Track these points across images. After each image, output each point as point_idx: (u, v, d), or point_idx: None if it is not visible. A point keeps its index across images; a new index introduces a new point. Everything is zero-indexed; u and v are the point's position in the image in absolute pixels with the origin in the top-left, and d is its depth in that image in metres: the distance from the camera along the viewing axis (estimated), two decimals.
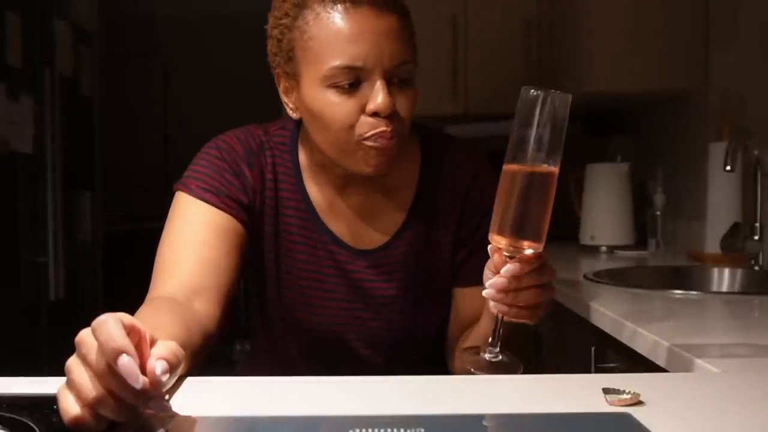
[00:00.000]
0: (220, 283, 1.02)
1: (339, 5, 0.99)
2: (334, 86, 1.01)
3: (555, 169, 0.84)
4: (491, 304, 0.88)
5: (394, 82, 1.02)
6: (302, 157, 1.15)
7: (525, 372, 0.89)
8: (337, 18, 0.99)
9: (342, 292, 1.16)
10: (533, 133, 0.83)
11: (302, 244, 1.15)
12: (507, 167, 0.85)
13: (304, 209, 1.15)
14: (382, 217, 1.16)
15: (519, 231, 0.84)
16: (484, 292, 0.88)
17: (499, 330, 0.89)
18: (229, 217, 1.07)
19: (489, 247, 0.88)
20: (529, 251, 0.85)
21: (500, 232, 0.85)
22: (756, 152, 1.90)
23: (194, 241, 1.04)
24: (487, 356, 0.90)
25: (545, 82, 3.05)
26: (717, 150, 2.05)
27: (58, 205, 3.05)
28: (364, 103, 1.00)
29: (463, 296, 1.18)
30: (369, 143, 1.02)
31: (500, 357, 0.89)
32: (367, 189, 1.14)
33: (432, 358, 1.23)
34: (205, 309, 0.99)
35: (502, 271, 0.85)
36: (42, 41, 3.02)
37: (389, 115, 1.01)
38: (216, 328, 0.99)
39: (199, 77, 5.39)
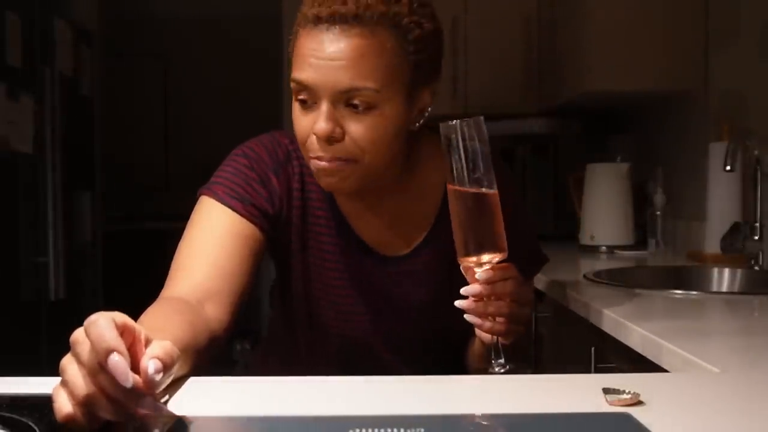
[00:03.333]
0: (232, 289, 1.03)
1: (308, 25, 1.02)
2: (297, 100, 1.04)
3: (493, 187, 0.94)
4: (465, 315, 0.96)
5: (350, 107, 1.01)
6: None
7: (525, 372, 0.89)
8: (303, 36, 1.02)
9: (371, 298, 1.16)
10: (462, 160, 0.93)
11: (330, 252, 1.15)
12: (450, 197, 0.95)
13: (332, 217, 1.15)
14: (410, 224, 1.17)
15: (480, 247, 0.94)
16: (458, 303, 0.96)
17: (498, 343, 0.96)
18: (251, 225, 1.08)
19: (461, 267, 0.97)
20: (495, 261, 0.95)
21: (465, 254, 0.95)
22: (756, 152, 1.90)
23: (213, 245, 1.05)
24: (497, 370, 0.96)
25: (545, 82, 3.05)
26: (717, 150, 2.05)
27: (58, 205, 3.05)
28: (314, 123, 1.02)
29: None
30: (313, 163, 1.04)
31: (508, 367, 0.95)
32: (394, 195, 1.15)
33: (455, 363, 1.23)
34: (215, 313, 1.00)
35: (476, 275, 0.94)
36: (42, 41, 3.02)
37: (329, 140, 1.01)
38: (224, 331, 1.00)
39: (200, 77, 5.38)
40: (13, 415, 0.67)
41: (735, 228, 1.96)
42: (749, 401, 0.77)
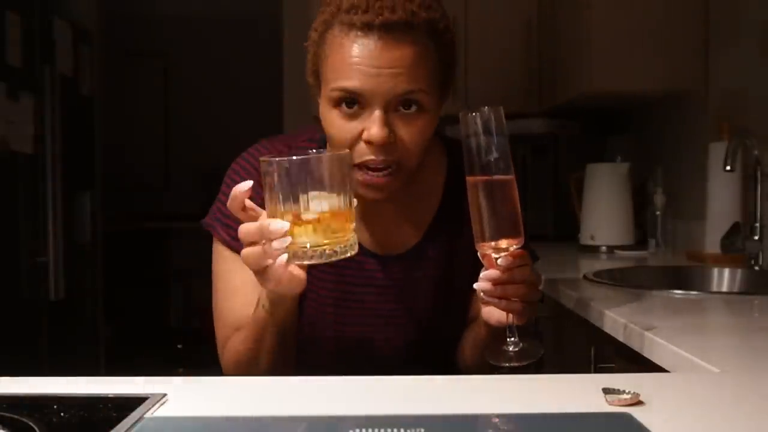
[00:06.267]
0: None
1: (352, 32, 1.00)
2: (338, 108, 1.03)
3: (510, 174, 0.96)
4: (481, 295, 0.98)
5: (399, 111, 1.02)
6: None
7: (525, 372, 0.89)
8: (347, 43, 1.00)
9: (370, 301, 1.16)
10: (481, 147, 0.94)
11: None
12: (469, 183, 0.96)
13: None
14: (408, 224, 1.18)
15: (499, 234, 0.95)
16: (477, 285, 0.97)
17: (513, 321, 0.97)
18: None
19: (479, 254, 0.97)
20: (513, 247, 0.96)
21: (483, 240, 0.96)
22: (756, 152, 1.90)
23: (238, 291, 1.12)
24: (510, 348, 0.97)
25: (545, 82, 3.05)
26: (717, 150, 2.05)
27: (58, 205, 3.05)
28: (363, 129, 1.02)
29: None
30: (360, 175, 1.04)
31: (521, 345, 0.97)
32: (395, 198, 1.15)
33: (449, 365, 1.24)
34: None
35: (496, 261, 0.96)
36: (42, 41, 3.02)
37: (384, 146, 1.01)
38: None
39: (199, 77, 5.39)
40: (13, 415, 0.67)
41: (735, 228, 1.96)
42: (749, 401, 0.77)
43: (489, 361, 0.98)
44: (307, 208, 0.86)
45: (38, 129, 2.97)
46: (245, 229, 0.89)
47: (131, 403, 0.71)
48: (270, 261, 0.88)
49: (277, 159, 0.86)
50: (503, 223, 0.95)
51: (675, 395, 0.77)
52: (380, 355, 1.18)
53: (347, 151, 0.95)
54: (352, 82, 1.00)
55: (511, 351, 0.96)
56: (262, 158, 0.89)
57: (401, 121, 1.02)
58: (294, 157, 0.86)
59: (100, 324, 3.69)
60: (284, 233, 0.86)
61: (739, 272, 1.88)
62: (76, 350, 3.36)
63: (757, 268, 1.88)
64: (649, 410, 0.70)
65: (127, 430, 0.64)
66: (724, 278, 1.90)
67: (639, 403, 0.71)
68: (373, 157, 1.02)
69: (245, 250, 0.90)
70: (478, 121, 0.94)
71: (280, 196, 0.86)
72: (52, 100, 3.02)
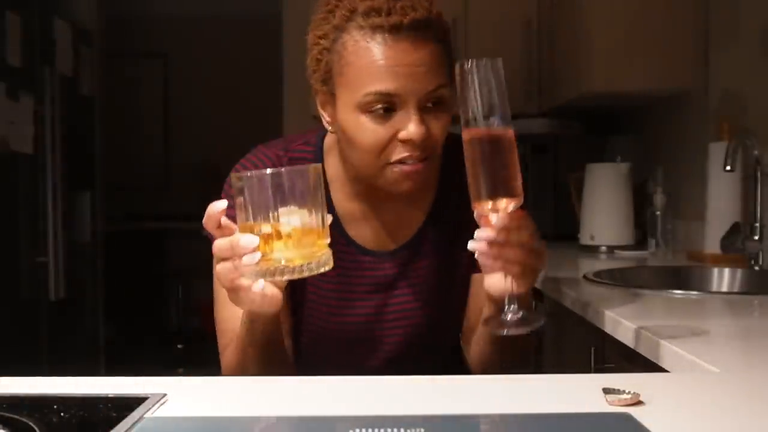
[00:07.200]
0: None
1: (378, 35, 1.00)
2: (369, 112, 1.02)
3: (509, 129, 0.90)
4: (477, 255, 0.93)
5: (428, 108, 1.03)
6: (330, 169, 1.16)
7: (525, 372, 0.89)
8: (375, 48, 1.00)
9: (371, 298, 1.17)
10: (478, 99, 0.89)
11: None
12: (465, 137, 0.90)
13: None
14: (404, 219, 1.18)
15: (494, 191, 0.89)
16: (470, 244, 0.93)
17: (512, 289, 0.92)
18: None
19: (475, 215, 0.93)
20: (511, 207, 0.90)
21: (479, 198, 0.90)
22: (756, 152, 1.90)
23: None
24: (509, 316, 0.92)
25: (545, 83, 3.05)
26: (717, 150, 2.05)
27: (58, 205, 3.05)
28: (398, 129, 1.02)
29: (481, 282, 1.19)
30: (397, 168, 1.04)
31: (521, 313, 0.92)
32: (392, 195, 1.15)
33: (455, 353, 1.25)
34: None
35: (491, 221, 0.91)
36: (42, 41, 3.02)
37: (421, 141, 1.02)
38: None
39: (199, 77, 5.39)
40: (13, 415, 0.67)
41: (735, 228, 1.96)
42: (749, 401, 0.77)
43: (491, 331, 0.97)
44: (278, 223, 0.84)
45: (38, 129, 2.97)
46: (218, 245, 0.88)
47: (131, 403, 0.71)
48: (241, 279, 0.88)
49: (246, 173, 0.85)
50: (499, 181, 0.90)
51: (675, 395, 0.77)
52: (382, 353, 1.19)
53: (318, 164, 0.91)
54: (387, 85, 1.00)
55: (511, 318, 0.92)
56: (231, 174, 0.87)
57: (431, 117, 1.04)
58: (264, 171, 0.85)
59: (100, 324, 3.70)
60: (254, 249, 0.85)
61: (739, 272, 1.88)
62: (76, 350, 3.36)
63: (757, 268, 1.88)
64: (649, 410, 0.70)
65: (127, 430, 0.64)
66: (724, 278, 1.89)
67: (639, 403, 0.71)
68: (409, 153, 1.03)
69: (217, 266, 0.89)
70: (475, 71, 0.89)
71: (251, 211, 0.84)
72: (52, 100, 3.03)
